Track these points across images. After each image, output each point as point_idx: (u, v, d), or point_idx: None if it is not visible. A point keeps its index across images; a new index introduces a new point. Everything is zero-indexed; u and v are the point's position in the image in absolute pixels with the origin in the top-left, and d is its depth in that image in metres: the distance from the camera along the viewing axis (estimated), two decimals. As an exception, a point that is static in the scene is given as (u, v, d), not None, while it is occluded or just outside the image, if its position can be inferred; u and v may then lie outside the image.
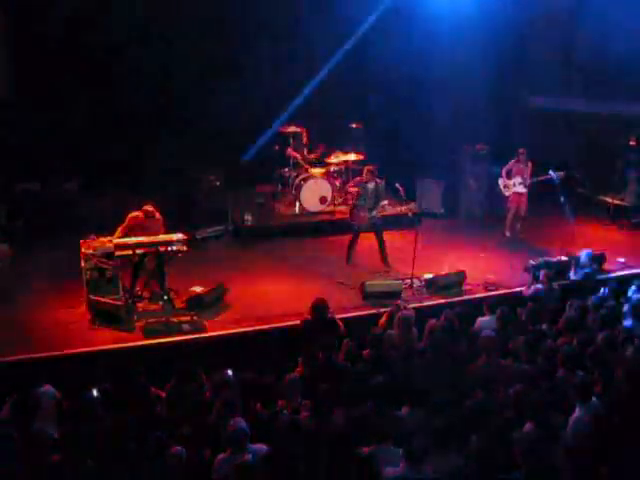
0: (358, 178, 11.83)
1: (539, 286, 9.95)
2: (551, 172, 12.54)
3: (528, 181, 12.79)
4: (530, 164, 12.88)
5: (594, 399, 6.59)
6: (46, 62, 12.55)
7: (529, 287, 10.06)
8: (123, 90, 13.02)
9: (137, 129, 13.14)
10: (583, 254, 11.03)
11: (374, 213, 11.37)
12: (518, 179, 12.85)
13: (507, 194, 13.05)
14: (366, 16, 14.40)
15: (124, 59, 12.89)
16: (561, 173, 12.57)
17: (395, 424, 6.08)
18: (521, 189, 12.91)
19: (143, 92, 13.18)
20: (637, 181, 14.76)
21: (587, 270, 10.89)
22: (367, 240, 11.70)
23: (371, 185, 11.39)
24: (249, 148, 13.78)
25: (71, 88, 12.79)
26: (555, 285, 10.02)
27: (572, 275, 10.93)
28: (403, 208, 11.43)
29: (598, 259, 11.24)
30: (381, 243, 11.53)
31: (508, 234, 13.12)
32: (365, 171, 11.53)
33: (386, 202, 11.50)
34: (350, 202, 13.81)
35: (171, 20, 13.53)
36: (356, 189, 11.71)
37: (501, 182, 13.04)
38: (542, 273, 10.15)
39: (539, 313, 8.89)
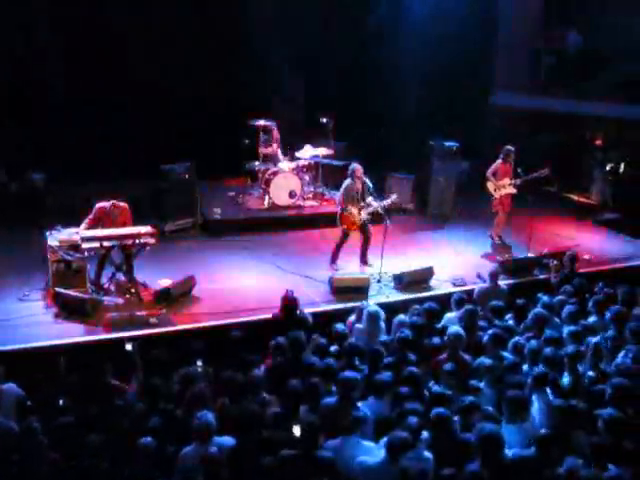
0: (346, 181, 11.07)
1: (484, 285, 10.03)
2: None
3: (518, 181, 12.48)
4: (512, 164, 12.61)
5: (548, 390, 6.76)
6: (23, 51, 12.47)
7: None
8: (94, 80, 12.90)
9: (106, 120, 13.02)
10: None
11: (363, 214, 11.01)
12: (507, 180, 12.53)
13: (497, 196, 12.66)
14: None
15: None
16: (546, 170, 12.40)
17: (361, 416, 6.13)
18: (512, 190, 12.58)
19: (114, 83, 13.09)
20: (603, 180, 14.98)
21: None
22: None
23: (358, 185, 11.00)
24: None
25: (41, 79, 12.66)
26: (502, 284, 10.09)
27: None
28: (386, 202, 11.08)
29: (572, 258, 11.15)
30: (366, 239, 11.27)
31: (496, 238, 12.80)
32: (350, 171, 11.05)
33: (371, 199, 11.03)
34: (322, 199, 13.93)
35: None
36: (343, 191, 11.06)
37: (490, 185, 12.62)
38: (489, 271, 10.12)
39: (481, 312, 8.86)
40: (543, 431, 6.02)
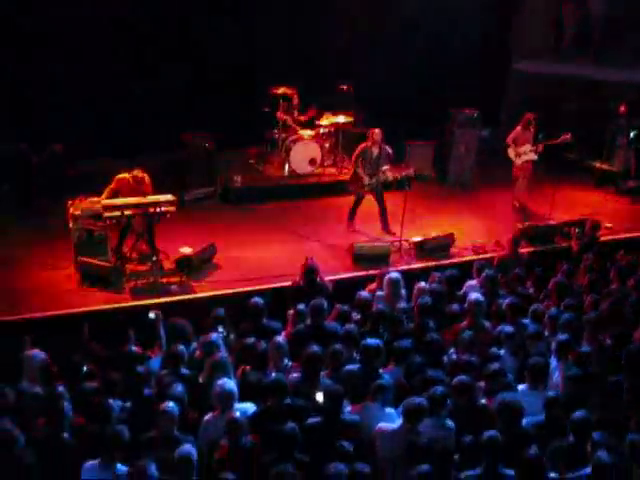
0: (363, 143, 11.33)
1: (504, 253, 9.99)
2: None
3: (539, 147, 12.34)
4: (532, 131, 12.48)
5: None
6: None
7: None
8: (115, 51, 12.87)
9: (127, 89, 12.99)
10: None
11: (372, 180, 11.11)
12: (528, 146, 12.35)
13: (518, 163, 12.50)
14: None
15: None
16: (567, 136, 12.27)
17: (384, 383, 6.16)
18: (533, 156, 12.43)
19: (134, 52, 13.05)
20: (626, 147, 14.77)
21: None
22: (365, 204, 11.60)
23: (374, 150, 11.13)
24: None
25: (62, 50, 12.60)
26: (523, 252, 10.04)
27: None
28: (402, 173, 11.13)
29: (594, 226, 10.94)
30: (382, 208, 11.40)
31: (517, 205, 12.69)
32: (369, 135, 11.21)
33: (387, 168, 11.15)
34: (340, 165, 13.90)
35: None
36: (357, 152, 11.27)
37: (511, 152, 12.47)
38: (509, 238, 10.08)
39: (501, 280, 8.84)
40: (551, 393, 6.04)
